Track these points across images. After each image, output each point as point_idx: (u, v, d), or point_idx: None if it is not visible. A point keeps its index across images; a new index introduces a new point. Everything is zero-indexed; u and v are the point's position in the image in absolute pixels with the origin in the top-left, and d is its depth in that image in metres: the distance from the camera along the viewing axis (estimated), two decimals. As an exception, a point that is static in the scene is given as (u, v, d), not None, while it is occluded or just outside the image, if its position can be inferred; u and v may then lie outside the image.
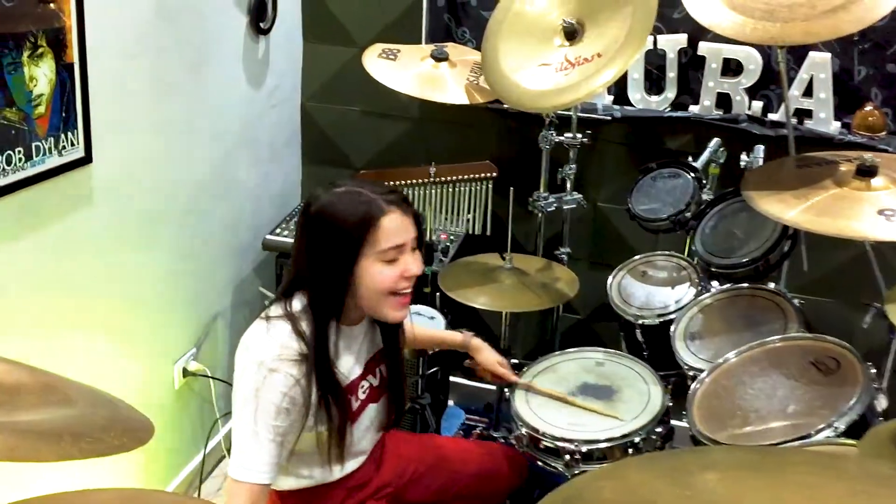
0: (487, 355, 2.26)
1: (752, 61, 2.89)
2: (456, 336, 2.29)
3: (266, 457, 1.66)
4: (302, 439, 1.76)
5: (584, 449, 2.06)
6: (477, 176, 2.62)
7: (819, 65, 2.82)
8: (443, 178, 2.59)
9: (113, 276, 2.38)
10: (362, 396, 1.88)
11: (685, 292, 2.30)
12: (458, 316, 2.66)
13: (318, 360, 1.72)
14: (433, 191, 2.62)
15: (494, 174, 2.63)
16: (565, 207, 2.84)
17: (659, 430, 2.10)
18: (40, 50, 1.97)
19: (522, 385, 2.23)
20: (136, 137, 2.38)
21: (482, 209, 2.68)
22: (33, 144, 2.00)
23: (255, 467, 1.66)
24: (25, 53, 1.92)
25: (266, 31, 2.98)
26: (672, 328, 2.19)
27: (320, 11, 3.24)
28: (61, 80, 2.05)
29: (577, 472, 2.08)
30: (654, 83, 3.06)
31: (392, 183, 2.63)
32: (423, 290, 2.75)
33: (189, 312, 2.80)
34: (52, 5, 1.98)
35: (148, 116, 2.42)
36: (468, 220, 2.73)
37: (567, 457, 2.07)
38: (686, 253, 2.42)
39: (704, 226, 2.27)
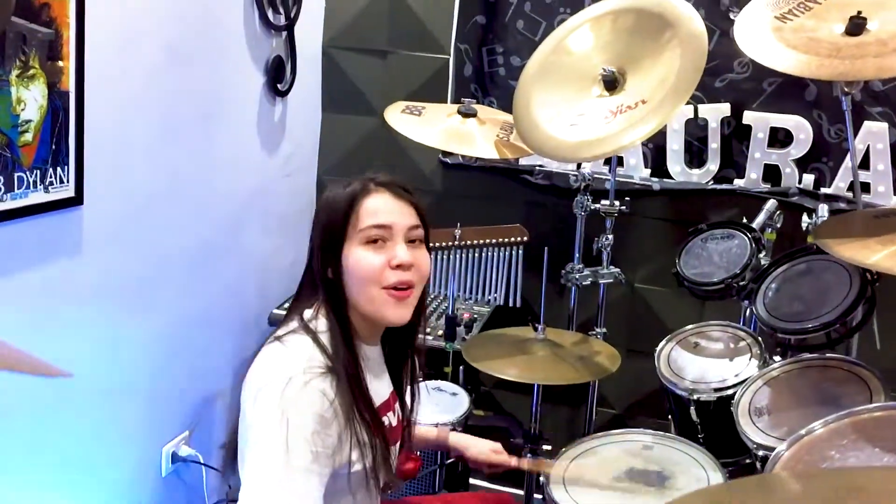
0: (476, 448, 1.98)
1: (802, 130, 2.70)
2: (429, 433, 1.99)
3: (300, 490, 1.34)
4: (335, 480, 1.45)
5: (634, 544, 1.73)
6: (506, 240, 2.39)
7: (876, 135, 2.62)
8: (469, 242, 2.35)
9: (98, 340, 2.12)
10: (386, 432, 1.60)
11: (746, 365, 2.02)
12: (483, 394, 2.37)
13: (350, 375, 1.46)
14: (458, 255, 2.38)
15: (525, 238, 2.40)
16: (602, 282, 2.59)
17: (723, 521, 1.77)
18: (32, 71, 1.79)
19: (532, 469, 1.94)
20: (135, 184, 2.18)
21: (512, 278, 2.42)
22: (16, 175, 1.79)
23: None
24: (14, 72, 1.74)
25: (283, 94, 2.82)
26: (734, 403, 1.89)
27: (340, 79, 3.10)
28: (53, 109, 1.86)
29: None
30: (694, 155, 2.86)
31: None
32: (444, 370, 2.47)
33: (183, 390, 2.52)
34: (47, 28, 1.81)
35: (151, 163, 2.22)
36: (493, 298, 2.47)
37: (614, 553, 1.74)
38: (742, 324, 2.14)
39: (766, 290, 2.00)
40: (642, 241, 2.91)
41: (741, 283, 2.07)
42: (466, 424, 2.25)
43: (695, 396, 2.00)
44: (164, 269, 2.34)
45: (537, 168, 2.94)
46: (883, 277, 1.88)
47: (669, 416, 2.16)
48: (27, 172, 1.82)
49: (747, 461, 2.01)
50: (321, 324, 1.52)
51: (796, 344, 1.95)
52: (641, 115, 2.07)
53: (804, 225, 2.14)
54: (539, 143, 2.20)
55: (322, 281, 1.54)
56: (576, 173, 2.70)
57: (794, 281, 2.00)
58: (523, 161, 2.98)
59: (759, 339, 2.07)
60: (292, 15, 2.78)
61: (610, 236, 2.55)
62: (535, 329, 2.22)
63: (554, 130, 2.18)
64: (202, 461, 2.54)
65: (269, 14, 2.66)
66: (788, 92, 2.71)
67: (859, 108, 2.61)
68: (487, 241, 2.36)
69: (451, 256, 2.37)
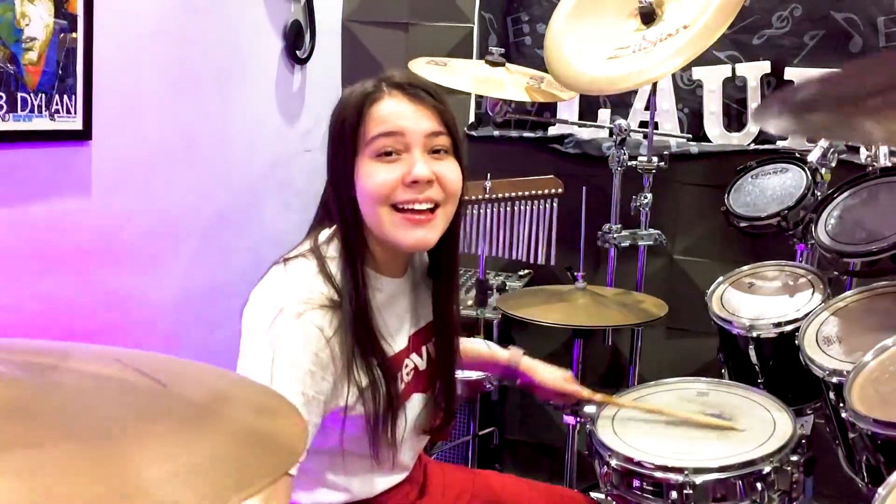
0: (546, 373, 1.75)
1: (848, 84, 2.55)
2: (500, 354, 1.76)
3: None
4: (332, 425, 1.28)
5: (697, 481, 1.54)
6: (540, 192, 2.24)
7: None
8: (500, 195, 2.20)
9: (102, 295, 1.99)
10: (406, 378, 1.39)
11: (808, 300, 1.84)
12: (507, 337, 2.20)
13: (354, 310, 1.26)
14: (488, 210, 2.23)
15: (560, 190, 2.25)
16: (641, 244, 2.43)
17: (794, 458, 1.58)
18: (37, -15, 1.69)
19: (605, 400, 1.75)
20: (147, 132, 2.06)
21: (546, 233, 2.27)
22: (19, 95, 1.68)
23: None
24: (18, -18, 1.64)
25: (302, 62, 2.72)
26: (798, 335, 1.72)
27: (361, 54, 3.00)
28: (60, 30, 1.76)
29: (687, 516, 1.56)
30: (734, 118, 2.73)
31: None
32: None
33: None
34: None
35: (163, 112, 2.11)
36: (526, 258, 2.32)
37: (674, 494, 1.55)
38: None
39: (826, 219, 1.84)
40: (681, 208, 2.75)
41: (797, 219, 1.90)
42: (502, 385, 2.08)
43: (754, 334, 1.82)
44: (175, 231, 2.21)
45: (567, 137, 2.81)
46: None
47: (723, 364, 1.97)
48: (31, 95, 1.70)
49: (816, 404, 1.83)
50: (333, 248, 1.32)
51: (863, 273, 1.77)
52: (684, 41, 1.95)
53: (863, 157, 1.98)
54: (573, 79, 2.09)
55: (335, 201, 1.33)
56: (607, 139, 2.58)
57: (857, 209, 1.84)
58: (552, 130, 2.86)
59: (821, 274, 1.90)
60: (311, -19, 2.70)
61: (648, 195, 2.39)
62: (574, 279, 2.06)
63: (588, 66, 2.07)
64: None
65: (288, -25, 2.58)
66: (832, 45, 2.58)
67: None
68: (520, 193, 2.21)
69: (481, 211, 2.22)
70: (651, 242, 2.42)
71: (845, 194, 1.88)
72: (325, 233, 1.33)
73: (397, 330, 1.38)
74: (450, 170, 1.31)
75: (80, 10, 1.80)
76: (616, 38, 2.07)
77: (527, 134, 2.86)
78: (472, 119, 2.94)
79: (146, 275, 2.12)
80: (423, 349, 1.44)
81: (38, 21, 1.70)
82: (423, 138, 1.27)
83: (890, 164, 1.90)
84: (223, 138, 2.37)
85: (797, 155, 2.08)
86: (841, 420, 1.53)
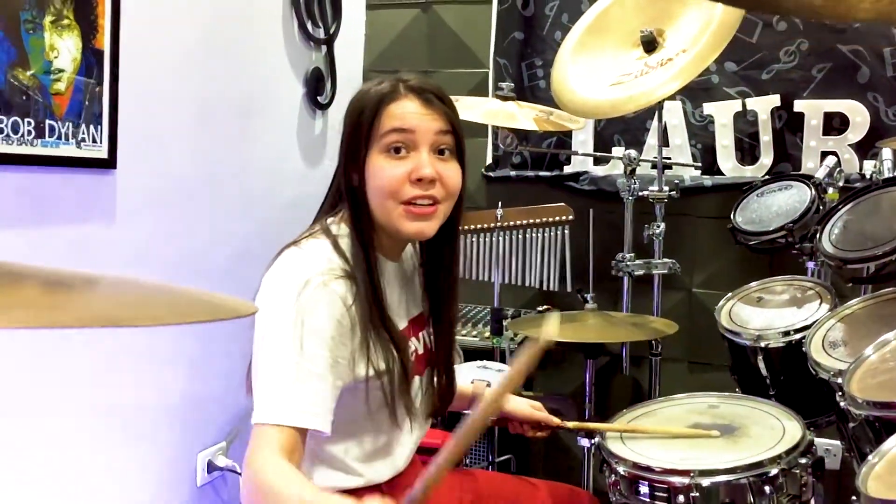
0: (514, 402, 1.78)
1: (859, 114, 2.58)
2: (465, 389, 1.76)
3: (315, 395, 1.24)
4: (352, 398, 1.34)
5: (703, 483, 1.53)
6: (551, 220, 2.28)
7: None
8: (512, 223, 2.25)
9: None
10: (411, 358, 1.45)
11: (816, 310, 1.84)
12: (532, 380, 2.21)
13: (368, 285, 1.35)
14: (500, 238, 2.28)
15: (570, 217, 2.29)
16: (655, 272, 2.45)
17: (803, 461, 1.57)
18: (65, 21, 1.81)
19: (578, 427, 1.77)
20: (170, 167, 2.16)
21: (557, 259, 2.30)
22: (47, 122, 1.78)
23: (299, 406, 1.22)
24: (48, 17, 1.76)
25: (324, 107, 2.83)
26: (805, 342, 1.72)
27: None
28: (87, 65, 1.87)
29: (695, 520, 1.54)
30: (746, 152, 2.76)
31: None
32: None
33: (220, 396, 2.41)
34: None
35: (186, 150, 2.22)
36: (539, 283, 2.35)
37: (681, 498, 1.54)
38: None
39: (831, 229, 1.85)
40: (697, 242, 2.77)
41: (803, 233, 1.92)
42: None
43: (762, 344, 1.82)
44: (198, 264, 2.28)
45: (582, 175, 2.86)
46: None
47: (734, 377, 1.96)
48: (58, 122, 1.81)
49: (829, 417, 1.81)
50: (342, 229, 1.42)
51: (868, 280, 1.77)
52: (682, 64, 2.01)
53: (868, 173, 2.00)
54: (578, 105, 2.16)
55: (346, 188, 1.43)
56: (622, 175, 2.62)
57: (860, 218, 1.85)
58: (567, 169, 2.91)
59: (828, 286, 1.90)
60: (332, 31, 2.82)
61: (661, 224, 2.43)
62: (585, 300, 2.08)
63: (592, 92, 2.14)
64: (240, 471, 2.40)
65: (309, 26, 2.70)
66: (839, 77, 2.61)
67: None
68: (531, 221, 2.26)
69: (493, 238, 2.27)
70: (665, 271, 2.44)
71: (849, 206, 1.90)
72: (332, 218, 1.43)
73: (397, 310, 1.46)
74: (452, 171, 1.41)
75: (106, 46, 1.91)
76: (620, 66, 2.15)
77: (542, 173, 2.92)
78: (489, 161, 3.01)
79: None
80: (420, 335, 1.51)
81: (65, 54, 1.81)
82: (430, 137, 1.38)
83: (892, 175, 1.92)
84: (244, 178, 2.46)
85: (802, 173, 2.10)
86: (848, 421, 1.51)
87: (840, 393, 1.41)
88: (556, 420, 1.78)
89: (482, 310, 2.72)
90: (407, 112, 1.38)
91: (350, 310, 1.32)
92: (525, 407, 1.78)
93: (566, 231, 2.29)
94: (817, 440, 1.65)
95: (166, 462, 2.25)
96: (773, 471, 1.54)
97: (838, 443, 2.34)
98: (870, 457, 1.13)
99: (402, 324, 1.46)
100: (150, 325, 0.64)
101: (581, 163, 2.90)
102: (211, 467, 2.37)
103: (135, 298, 0.76)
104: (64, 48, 1.81)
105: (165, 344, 2.19)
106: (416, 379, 1.47)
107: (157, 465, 2.21)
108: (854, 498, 1.06)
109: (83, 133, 1.87)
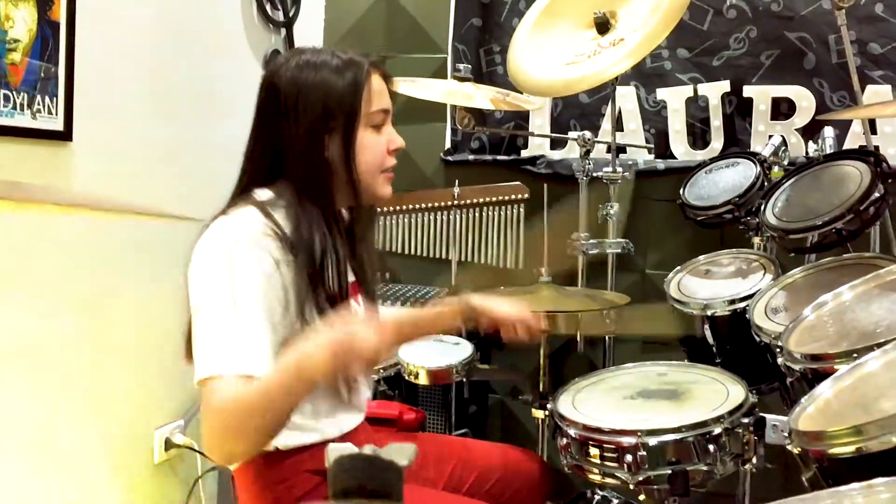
0: (504, 306, 1.66)
1: (805, 99, 2.65)
2: (449, 304, 1.67)
3: (253, 343, 1.24)
4: None
5: (650, 442, 1.58)
6: (506, 198, 2.32)
7: (880, 97, 2.57)
8: (468, 201, 2.29)
9: (82, 300, 2.06)
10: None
11: (760, 279, 1.90)
12: (487, 344, 2.24)
13: (305, 253, 1.37)
14: (457, 216, 2.31)
15: (526, 196, 2.33)
16: (609, 251, 2.50)
17: (745, 421, 1.62)
18: (21, -9, 1.81)
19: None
20: (128, 139, 2.16)
21: (513, 238, 2.34)
22: (2, 91, 1.78)
23: (238, 354, 1.22)
24: (3, -13, 1.76)
25: (283, 90, 2.84)
26: (749, 309, 1.77)
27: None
28: (43, 36, 1.87)
29: (641, 479, 1.59)
30: (698, 137, 2.82)
31: (411, 206, 2.33)
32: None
33: (178, 374, 2.41)
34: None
35: (143, 122, 2.22)
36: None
37: (629, 458, 1.59)
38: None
39: (774, 202, 1.91)
40: (651, 224, 2.82)
41: (749, 207, 1.98)
42: (471, 378, 2.12)
43: (708, 312, 1.88)
44: (157, 240, 2.28)
45: (539, 158, 2.91)
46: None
47: (683, 349, 2.02)
48: (13, 92, 1.81)
49: (773, 384, 1.87)
50: (278, 200, 1.42)
51: (810, 249, 1.84)
52: (633, 44, 2.06)
53: (812, 152, 2.07)
54: (533, 84, 2.20)
55: (313, 159, 1.42)
56: (578, 159, 2.66)
57: (802, 192, 1.92)
58: (525, 152, 2.96)
59: (773, 258, 1.96)
60: (291, 13, 2.83)
61: (615, 204, 2.48)
62: (539, 274, 2.12)
63: (547, 72, 2.18)
64: (197, 448, 2.40)
65: (268, 8, 2.72)
66: (787, 63, 2.69)
67: (861, 72, 2.58)
68: (487, 199, 2.30)
69: (450, 217, 2.30)
70: (619, 250, 2.49)
71: (792, 180, 1.96)
72: (265, 192, 1.42)
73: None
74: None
75: (62, 18, 1.91)
76: (574, 46, 2.19)
77: (500, 157, 2.96)
78: (448, 145, 3.04)
79: (124, 277, 2.19)
80: (358, 298, 1.54)
81: (21, 24, 1.81)
82: (391, 115, 1.51)
83: (833, 151, 1.98)
84: (202, 156, 2.47)
85: (748, 151, 2.17)
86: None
87: (779, 350, 1.46)
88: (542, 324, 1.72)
89: (440, 291, 2.74)
90: (383, 91, 1.49)
91: (280, 267, 1.33)
92: (513, 312, 1.67)
93: (521, 209, 2.33)
94: (767, 416, 1.70)
95: (123, 439, 2.24)
96: (717, 430, 1.59)
97: (785, 418, 2.41)
98: (802, 400, 1.18)
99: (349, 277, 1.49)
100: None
101: (538, 147, 2.94)
102: (168, 445, 2.37)
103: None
104: (19, 18, 1.81)
105: (123, 321, 2.19)
106: None
107: (114, 443, 2.21)
108: (786, 436, 1.11)
109: (38, 104, 1.87)
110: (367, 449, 0.45)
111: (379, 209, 1.59)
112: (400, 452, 0.45)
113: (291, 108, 1.44)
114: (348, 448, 0.46)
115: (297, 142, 1.44)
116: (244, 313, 1.26)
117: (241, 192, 1.46)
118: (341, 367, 1.17)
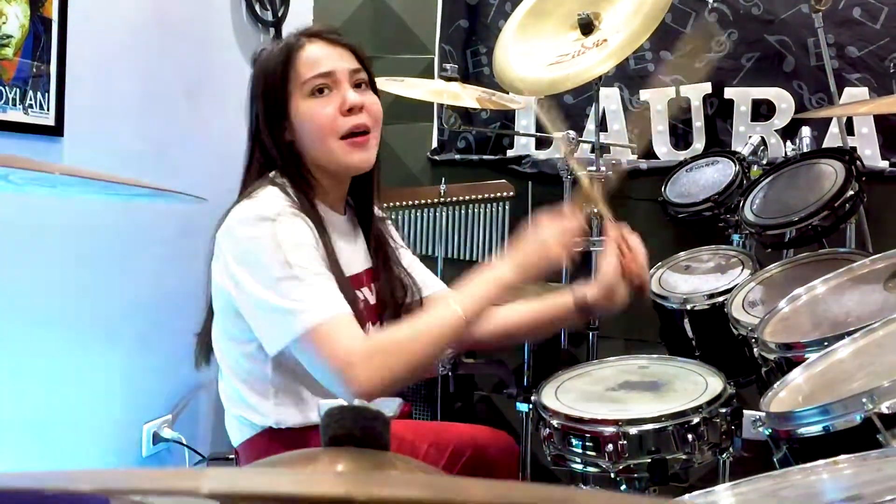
0: (598, 283, 1.66)
1: (784, 101, 2.71)
2: (562, 300, 1.67)
3: (326, 288, 1.32)
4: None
5: (630, 431, 1.62)
6: (492, 196, 2.37)
7: (857, 99, 2.63)
8: (455, 198, 2.33)
9: (72, 292, 2.08)
10: (362, 305, 1.51)
11: (738, 275, 1.95)
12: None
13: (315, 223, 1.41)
14: (444, 212, 2.35)
15: (511, 193, 2.38)
16: (593, 249, 2.53)
17: (723, 411, 1.67)
18: (14, -13, 1.83)
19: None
20: (118, 134, 2.19)
21: (499, 235, 2.38)
22: (-6, 86, 1.81)
23: (322, 301, 1.31)
24: (-5, -17, 1.79)
25: (272, 89, 2.87)
26: (727, 303, 1.82)
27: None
28: (35, 32, 1.90)
29: (622, 467, 1.63)
30: (680, 138, 2.87)
31: (398, 203, 2.37)
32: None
33: (165, 368, 2.44)
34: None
35: (134, 118, 2.25)
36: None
37: (609, 447, 1.63)
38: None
39: (752, 199, 1.96)
40: (635, 224, 2.82)
41: (729, 205, 2.03)
42: (456, 372, 2.16)
43: (688, 306, 1.92)
44: (145, 234, 2.31)
45: (524, 158, 2.95)
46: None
47: (662, 343, 2.06)
48: (5, 87, 1.83)
49: (748, 378, 1.92)
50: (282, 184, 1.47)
51: (787, 245, 1.89)
52: (616, 43, 2.10)
53: (790, 151, 2.12)
54: (517, 83, 2.23)
55: (276, 146, 1.48)
56: (562, 158, 2.71)
57: (779, 189, 1.97)
58: (511, 152, 3.00)
59: (751, 254, 2.01)
60: (280, 14, 2.87)
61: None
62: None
63: (531, 71, 2.22)
64: (185, 443, 2.43)
65: (257, 8, 2.75)
66: (767, 66, 2.75)
67: (838, 75, 2.64)
68: (474, 196, 2.34)
69: (437, 213, 2.34)
70: (602, 248, 2.53)
71: (770, 178, 2.01)
72: (266, 181, 1.47)
73: (349, 259, 1.51)
74: (372, 99, 1.51)
75: (54, 15, 1.94)
76: (558, 47, 2.23)
77: (486, 157, 3.01)
78: (434, 144, 3.08)
79: (114, 272, 2.21)
80: (372, 286, 1.56)
81: (13, 20, 1.84)
82: (347, 75, 1.47)
83: (809, 150, 2.03)
84: (192, 155, 2.50)
85: (728, 150, 2.22)
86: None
87: (755, 340, 1.51)
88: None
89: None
90: (321, 56, 1.46)
91: (318, 241, 1.39)
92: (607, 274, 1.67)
93: (507, 207, 2.37)
94: (746, 412, 1.75)
95: (112, 433, 2.27)
96: (696, 419, 1.63)
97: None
98: (775, 385, 1.23)
99: (355, 269, 1.52)
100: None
101: (523, 147, 2.99)
102: (156, 439, 2.39)
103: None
104: (12, 14, 1.83)
105: (112, 317, 2.22)
106: (369, 325, 1.52)
107: (102, 437, 2.23)
108: (759, 419, 1.15)
109: (30, 99, 1.90)
110: (356, 402, 0.49)
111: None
112: (386, 404, 0.49)
113: (252, 98, 1.53)
114: (338, 401, 0.50)
115: (260, 131, 1.51)
116: (307, 275, 1.32)
117: (248, 183, 1.51)
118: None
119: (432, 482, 0.43)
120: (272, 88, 1.46)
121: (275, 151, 1.47)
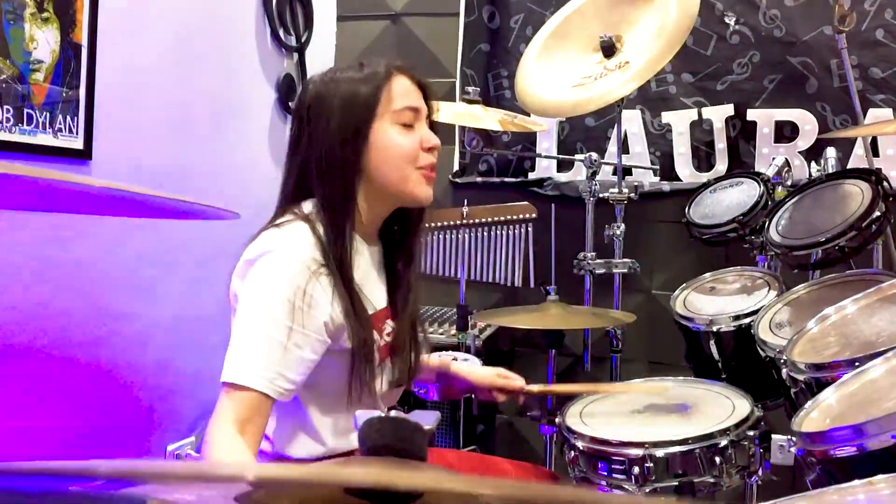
0: (481, 372, 1.85)
1: (808, 122, 2.70)
2: (430, 360, 1.82)
3: (269, 359, 1.32)
4: (321, 367, 1.40)
5: (657, 454, 1.61)
6: (515, 217, 2.37)
7: (881, 120, 2.62)
8: (477, 220, 2.33)
9: (97, 314, 2.10)
10: (386, 339, 1.52)
11: (764, 296, 1.93)
12: (494, 358, 2.27)
13: (341, 266, 1.42)
14: (466, 235, 2.35)
15: (534, 215, 2.38)
16: (615, 271, 2.53)
17: (751, 433, 1.65)
18: (45, 14, 1.87)
19: (542, 392, 1.84)
20: (145, 158, 2.21)
21: (521, 257, 2.38)
22: (25, 110, 1.84)
23: (253, 370, 1.31)
24: (28, 10, 1.82)
25: (295, 113, 2.90)
26: (754, 325, 1.81)
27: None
28: (66, 58, 1.93)
29: (649, 490, 1.61)
30: (703, 160, 2.87)
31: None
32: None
33: (190, 390, 2.45)
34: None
35: (160, 143, 2.28)
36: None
37: (636, 469, 1.61)
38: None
39: (778, 220, 1.95)
40: (657, 245, 2.86)
41: (754, 225, 2.02)
42: (479, 402, 2.15)
43: (714, 328, 1.91)
44: (170, 257, 2.33)
45: (546, 181, 2.96)
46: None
47: (688, 365, 2.05)
48: (36, 111, 1.86)
49: (776, 400, 1.90)
50: (318, 216, 1.46)
51: (814, 266, 1.87)
52: (639, 65, 2.11)
53: (815, 172, 2.11)
54: (540, 105, 2.24)
55: (339, 164, 1.46)
56: (584, 181, 2.71)
57: (805, 210, 1.96)
58: (532, 175, 3.01)
59: (777, 275, 2.00)
60: (303, 39, 2.90)
61: (621, 225, 2.52)
62: (547, 293, 2.15)
63: (554, 93, 2.23)
64: (207, 465, 2.43)
65: (281, 33, 2.78)
66: (790, 87, 2.74)
67: (862, 96, 2.63)
68: (496, 218, 2.34)
69: (459, 236, 2.34)
70: (625, 270, 2.52)
71: (795, 199, 2.00)
72: (307, 204, 1.47)
73: (374, 292, 1.51)
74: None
75: (84, 40, 1.97)
76: (581, 69, 2.24)
77: (508, 179, 3.01)
78: (456, 167, 3.09)
79: (140, 296, 2.23)
80: (387, 323, 1.55)
81: (45, 45, 1.87)
82: (426, 115, 1.53)
83: (835, 171, 2.02)
84: (217, 177, 2.52)
85: (752, 171, 2.21)
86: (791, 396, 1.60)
87: (783, 362, 1.49)
88: (519, 382, 1.83)
89: (449, 311, 2.78)
90: (412, 91, 1.51)
91: (320, 280, 1.38)
92: (491, 375, 1.83)
93: (529, 229, 2.37)
94: (774, 436, 1.73)
95: (135, 455, 2.27)
96: (723, 442, 1.62)
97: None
98: (806, 405, 1.21)
99: (379, 303, 1.52)
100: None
101: (545, 169, 2.99)
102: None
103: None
104: (43, 40, 1.86)
105: (137, 338, 2.23)
106: (386, 361, 1.53)
107: (126, 458, 2.24)
108: (791, 439, 1.14)
109: (60, 123, 1.92)
110: (394, 413, 0.48)
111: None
112: (425, 417, 0.49)
113: (315, 118, 1.48)
114: (376, 412, 0.50)
115: (321, 150, 1.48)
116: (265, 335, 1.33)
117: (287, 203, 1.51)
118: None
119: (462, 478, 0.43)
120: (358, 109, 1.45)
121: (336, 169, 1.46)
